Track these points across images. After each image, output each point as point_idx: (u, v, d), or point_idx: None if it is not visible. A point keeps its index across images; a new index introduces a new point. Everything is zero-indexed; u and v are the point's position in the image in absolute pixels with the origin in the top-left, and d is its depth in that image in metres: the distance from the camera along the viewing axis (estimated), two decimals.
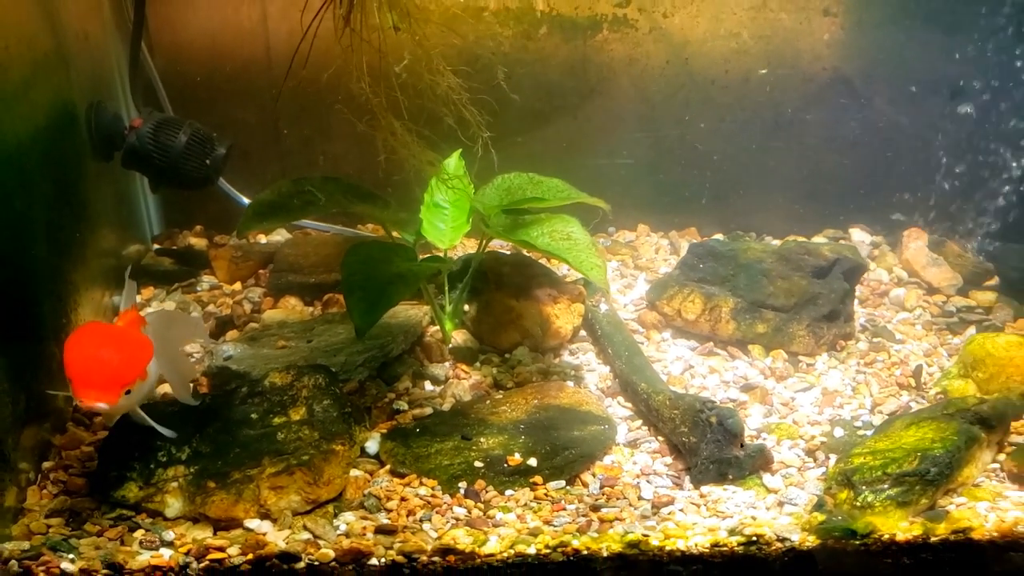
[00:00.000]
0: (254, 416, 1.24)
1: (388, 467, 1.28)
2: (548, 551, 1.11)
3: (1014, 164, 1.76)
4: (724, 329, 1.57)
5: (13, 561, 1.06)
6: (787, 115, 1.84)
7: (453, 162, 1.54)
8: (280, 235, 1.90)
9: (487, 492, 1.23)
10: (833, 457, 1.29)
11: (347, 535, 1.14)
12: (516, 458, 1.27)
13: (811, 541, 1.12)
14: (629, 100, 1.82)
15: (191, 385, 1.37)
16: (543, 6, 1.75)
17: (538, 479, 1.25)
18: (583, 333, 1.61)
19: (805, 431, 1.37)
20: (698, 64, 1.80)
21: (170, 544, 1.12)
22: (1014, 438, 1.32)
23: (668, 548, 1.12)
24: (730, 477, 1.25)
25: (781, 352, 1.56)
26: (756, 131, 1.85)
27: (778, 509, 1.20)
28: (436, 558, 1.11)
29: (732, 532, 1.14)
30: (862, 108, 1.82)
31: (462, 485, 1.23)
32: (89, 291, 1.46)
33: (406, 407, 1.40)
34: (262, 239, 1.89)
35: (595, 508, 1.21)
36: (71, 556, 1.07)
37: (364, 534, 1.14)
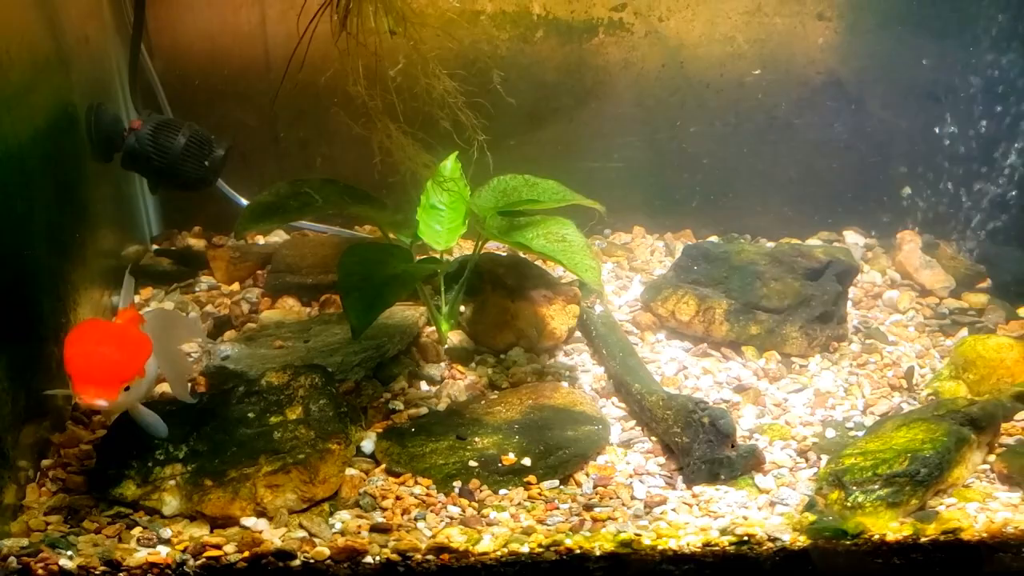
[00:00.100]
0: (251, 415, 1.26)
1: (384, 466, 1.29)
2: (541, 550, 1.12)
3: (1006, 167, 1.77)
4: (718, 330, 1.58)
5: (12, 558, 1.07)
6: (781, 118, 1.85)
7: (449, 164, 1.55)
8: (278, 236, 1.91)
9: (481, 491, 1.24)
10: (825, 458, 1.30)
11: (342, 533, 1.15)
12: (510, 458, 1.28)
13: (802, 541, 1.13)
14: (625, 103, 1.84)
15: (189, 384, 1.38)
16: (539, 10, 1.77)
17: (532, 478, 1.26)
18: (578, 334, 1.63)
19: (797, 432, 1.39)
20: (693, 68, 1.81)
21: (167, 542, 1.13)
22: (1004, 439, 1.34)
23: (660, 547, 1.13)
24: (722, 477, 1.26)
25: (774, 353, 1.57)
26: (751, 134, 1.87)
27: (770, 509, 1.21)
28: (430, 556, 1.12)
29: (724, 532, 1.15)
30: (856, 111, 1.83)
31: (457, 484, 1.25)
32: (88, 291, 1.48)
33: (402, 407, 1.41)
34: (260, 240, 1.91)
35: (588, 507, 1.22)
36: (69, 553, 1.09)
37: (359, 532, 1.16)
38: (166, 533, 1.14)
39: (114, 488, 1.18)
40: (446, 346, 1.56)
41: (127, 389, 1.10)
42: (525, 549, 1.12)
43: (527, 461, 1.28)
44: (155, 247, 1.86)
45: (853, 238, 1.95)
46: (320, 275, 1.68)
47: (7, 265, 1.21)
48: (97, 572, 1.08)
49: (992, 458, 1.30)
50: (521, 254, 1.74)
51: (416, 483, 1.25)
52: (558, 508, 1.21)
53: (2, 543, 1.09)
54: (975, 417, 1.29)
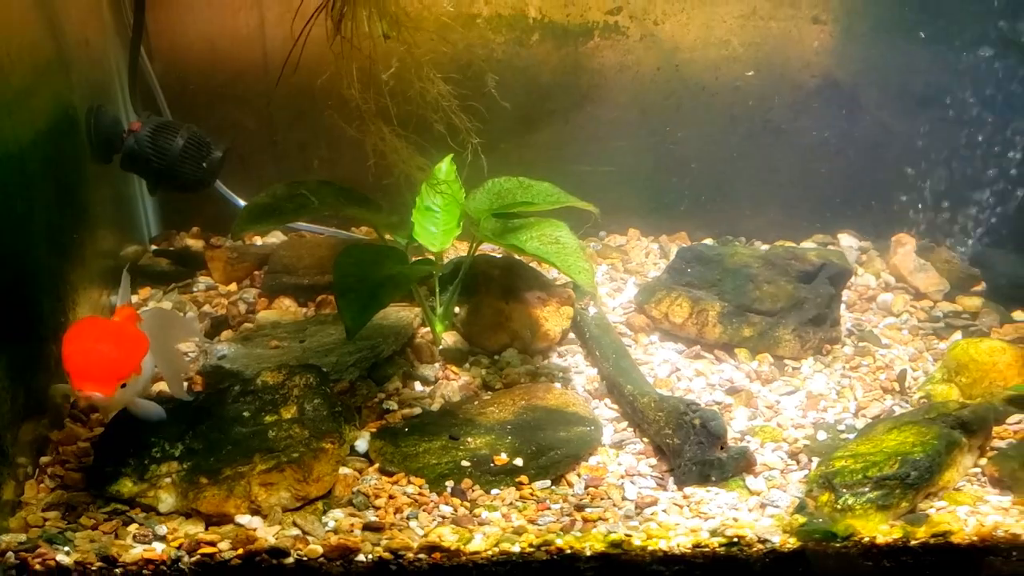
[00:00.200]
0: (246, 414, 1.27)
1: (377, 465, 1.30)
2: (532, 550, 1.13)
3: (1001, 171, 1.77)
4: (711, 333, 1.59)
5: (10, 553, 1.09)
6: (776, 121, 1.86)
7: (445, 167, 1.57)
8: (275, 237, 1.93)
9: (473, 491, 1.25)
10: (816, 460, 1.31)
11: (335, 531, 1.16)
12: (503, 458, 1.29)
13: (792, 543, 1.14)
14: (620, 106, 1.85)
15: (186, 384, 1.40)
16: (535, 13, 1.78)
17: (524, 479, 1.27)
18: (572, 336, 1.64)
19: (789, 434, 1.39)
20: (689, 71, 1.82)
21: (162, 538, 1.14)
22: (996, 443, 1.34)
23: (650, 548, 1.13)
24: (712, 479, 1.26)
25: (767, 356, 1.58)
26: (745, 137, 1.87)
27: (760, 511, 1.22)
28: (422, 555, 1.13)
29: (714, 533, 1.15)
30: (851, 114, 1.84)
31: (449, 484, 1.26)
32: (87, 291, 1.50)
33: (396, 407, 1.43)
34: (258, 241, 1.92)
35: (579, 508, 1.23)
36: (66, 549, 1.10)
37: (352, 531, 1.17)
38: (162, 530, 1.15)
39: (111, 485, 1.20)
40: (440, 347, 1.57)
41: (124, 386, 1.11)
42: (516, 549, 1.13)
43: (519, 461, 1.29)
44: (154, 248, 1.88)
45: (848, 241, 1.95)
46: (316, 276, 1.70)
47: (7, 265, 1.23)
48: (93, 568, 1.09)
49: (984, 461, 1.30)
50: (517, 256, 1.76)
51: (409, 482, 1.27)
52: (549, 508, 1.22)
53: (0, 538, 1.11)
54: (966, 420, 1.29)
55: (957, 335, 1.65)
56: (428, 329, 1.60)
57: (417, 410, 1.42)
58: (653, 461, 1.33)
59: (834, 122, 1.85)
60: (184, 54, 1.79)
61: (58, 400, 1.32)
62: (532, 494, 1.25)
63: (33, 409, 1.27)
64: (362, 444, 1.33)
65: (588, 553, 1.13)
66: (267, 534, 1.15)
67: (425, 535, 1.15)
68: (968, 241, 1.82)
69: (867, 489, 1.17)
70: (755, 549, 1.14)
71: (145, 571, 1.10)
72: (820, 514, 1.18)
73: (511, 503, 1.23)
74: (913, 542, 1.14)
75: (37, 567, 1.09)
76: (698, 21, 1.79)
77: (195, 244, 1.90)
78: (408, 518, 1.20)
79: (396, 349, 1.51)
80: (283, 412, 1.28)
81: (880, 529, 1.15)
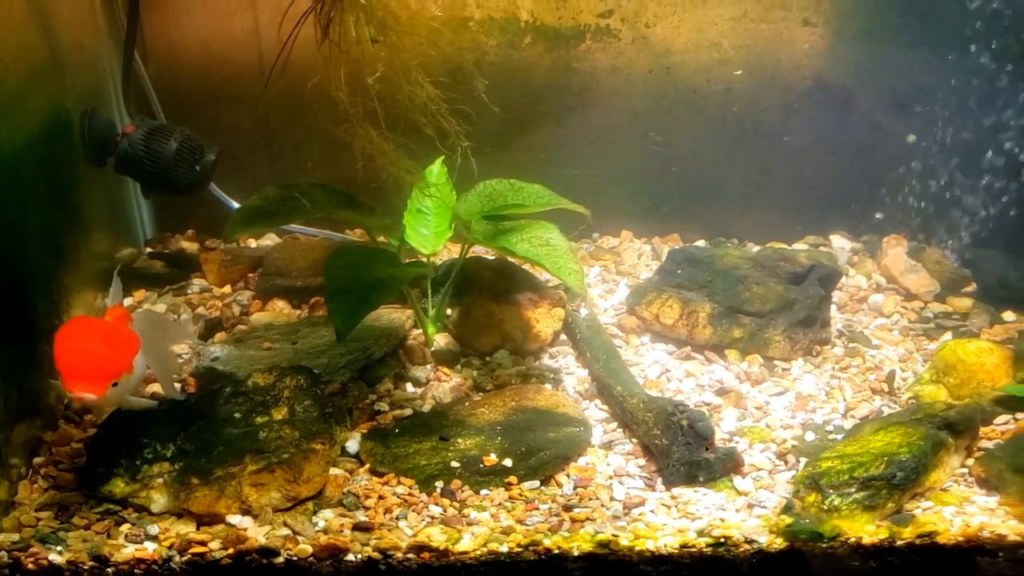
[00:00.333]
0: (237, 415, 1.28)
1: (368, 466, 1.31)
2: (520, 550, 1.14)
3: (991, 172, 1.78)
4: (701, 334, 1.59)
5: (3, 552, 1.10)
6: (768, 123, 1.86)
7: (436, 169, 1.58)
8: (270, 239, 1.94)
9: (463, 491, 1.26)
10: (804, 460, 1.31)
11: (325, 531, 1.17)
12: (492, 458, 1.30)
13: (778, 543, 1.15)
14: (612, 108, 1.85)
15: (179, 386, 1.41)
16: (527, 16, 1.79)
17: (513, 479, 1.28)
18: (563, 337, 1.64)
19: (777, 435, 1.40)
20: (680, 73, 1.83)
21: (154, 538, 1.15)
22: (983, 443, 1.35)
23: (638, 548, 1.14)
24: (700, 479, 1.27)
25: (757, 357, 1.58)
26: (737, 139, 1.88)
27: (747, 511, 1.23)
28: (411, 555, 1.14)
29: (701, 533, 1.16)
30: (842, 116, 1.84)
31: (439, 484, 1.27)
32: (81, 293, 1.51)
33: (387, 408, 1.44)
34: (252, 243, 1.94)
35: (567, 508, 1.23)
36: (59, 548, 1.12)
37: (342, 531, 1.18)
38: (153, 530, 1.17)
39: (103, 485, 1.21)
40: (433, 348, 1.58)
41: (115, 385, 1.12)
42: (504, 549, 1.14)
43: (508, 462, 1.29)
44: (149, 250, 1.89)
45: (839, 242, 1.96)
46: (310, 278, 1.71)
47: (1, 268, 1.24)
48: (85, 567, 1.11)
49: (971, 462, 1.31)
50: (510, 258, 1.77)
51: (399, 483, 1.28)
52: (538, 508, 1.23)
53: None
54: (952, 421, 1.29)
55: (947, 336, 1.65)
56: (420, 331, 1.61)
57: (408, 411, 1.43)
58: (642, 462, 1.34)
59: (825, 124, 1.85)
60: (180, 57, 1.80)
61: (52, 401, 1.33)
62: (521, 494, 1.26)
63: (27, 410, 1.28)
64: (353, 445, 1.34)
65: (576, 553, 1.14)
66: (258, 534, 1.16)
67: (414, 535, 1.16)
68: (959, 242, 1.82)
69: (853, 490, 1.18)
70: (742, 549, 1.15)
71: (137, 570, 1.11)
72: (807, 515, 1.18)
73: (500, 503, 1.24)
74: (899, 542, 1.15)
75: (30, 566, 1.10)
76: (689, 24, 1.80)
77: (190, 247, 1.91)
78: (397, 518, 1.21)
79: (388, 351, 1.52)
80: (274, 413, 1.29)
81: (866, 529, 1.15)
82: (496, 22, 1.79)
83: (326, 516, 1.21)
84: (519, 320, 1.59)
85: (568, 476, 1.31)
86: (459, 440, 1.33)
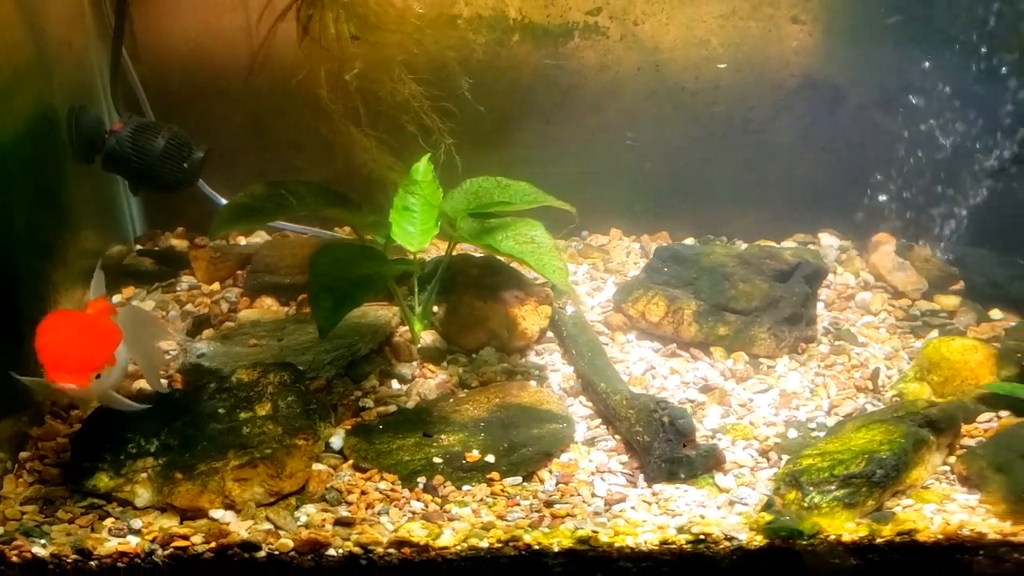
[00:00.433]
0: (221, 411, 1.29)
1: (351, 462, 1.32)
2: (500, 545, 1.15)
3: (980, 170, 1.77)
4: (687, 331, 1.60)
5: None
6: (756, 121, 1.86)
7: (422, 167, 1.58)
8: (259, 237, 1.95)
9: (445, 487, 1.27)
10: (786, 458, 1.31)
11: (307, 526, 1.18)
12: (474, 454, 1.31)
13: (758, 540, 1.15)
14: (601, 106, 1.85)
15: (166, 382, 1.42)
16: (515, 14, 1.79)
17: (495, 475, 1.29)
18: (550, 334, 1.65)
19: (760, 432, 1.40)
20: (669, 71, 1.83)
21: (137, 532, 1.17)
22: (966, 441, 1.34)
23: (618, 545, 1.14)
24: (682, 476, 1.28)
25: (742, 354, 1.58)
26: (726, 136, 1.87)
27: (728, 508, 1.23)
28: (391, 550, 1.15)
29: (681, 530, 1.16)
30: (831, 114, 1.84)
31: (421, 480, 1.27)
32: (69, 291, 1.52)
33: (371, 404, 1.44)
34: (242, 241, 1.94)
35: (548, 504, 1.24)
36: (43, 541, 1.13)
37: (323, 525, 1.19)
38: (136, 524, 1.18)
39: (87, 480, 1.22)
40: (419, 346, 1.59)
41: (98, 376, 1.13)
42: (485, 544, 1.14)
43: (491, 458, 1.30)
44: (138, 247, 1.90)
45: (828, 240, 1.96)
46: (298, 275, 1.71)
47: None
48: (69, 560, 1.12)
49: (953, 460, 1.31)
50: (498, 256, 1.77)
51: (382, 478, 1.28)
52: (519, 504, 1.23)
53: None
54: (934, 419, 1.29)
55: (934, 333, 1.65)
56: (407, 328, 1.61)
57: (392, 408, 1.44)
58: (624, 458, 1.34)
59: (814, 121, 1.85)
60: (171, 54, 1.80)
61: (39, 398, 1.35)
62: (503, 490, 1.27)
63: (13, 406, 1.30)
64: (337, 441, 1.35)
65: (556, 549, 1.15)
66: (240, 528, 1.17)
67: (395, 530, 1.17)
68: (947, 240, 1.82)
69: (833, 487, 1.18)
70: (722, 546, 1.15)
71: (120, 564, 1.12)
72: (787, 512, 1.18)
73: (482, 499, 1.24)
74: (879, 540, 1.15)
75: (14, 559, 1.11)
76: (678, 21, 1.79)
77: (179, 244, 1.92)
78: (379, 513, 1.21)
79: (373, 347, 1.52)
80: (257, 409, 1.30)
81: (846, 527, 1.15)
82: (484, 20, 1.78)
83: (308, 511, 1.22)
84: (505, 317, 1.60)
85: (550, 472, 1.31)
86: (442, 436, 1.34)
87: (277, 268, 1.74)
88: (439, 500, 1.24)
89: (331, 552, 1.14)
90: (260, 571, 1.13)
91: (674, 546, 1.15)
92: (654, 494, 1.26)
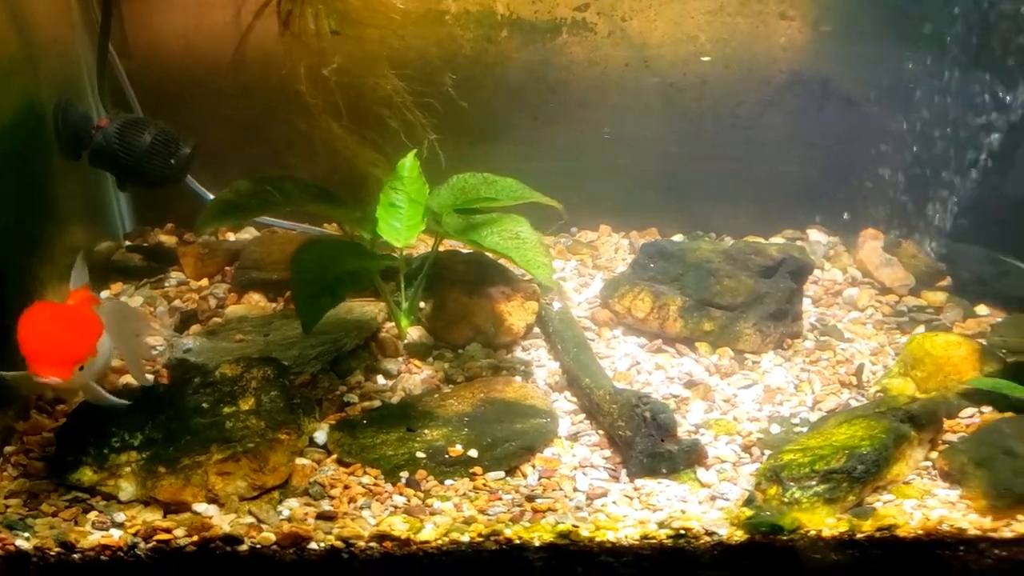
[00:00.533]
0: (205, 405, 1.30)
1: (335, 456, 1.32)
2: (481, 539, 1.15)
3: (968, 167, 1.77)
4: (672, 327, 1.60)
5: None
6: (745, 117, 1.86)
7: (408, 162, 1.58)
8: (248, 233, 1.95)
9: (427, 481, 1.27)
10: (768, 453, 1.32)
11: (289, 520, 1.19)
12: (457, 449, 1.31)
13: (739, 536, 1.15)
14: (589, 102, 1.85)
15: (152, 377, 1.43)
16: (503, 10, 1.79)
17: (478, 469, 1.29)
18: (537, 330, 1.65)
19: (743, 427, 1.40)
20: (657, 67, 1.83)
21: (120, 525, 1.17)
22: (948, 436, 1.35)
23: (598, 539, 1.15)
24: (663, 471, 1.28)
25: (727, 350, 1.59)
26: (714, 132, 1.88)
27: (710, 503, 1.23)
28: (373, 544, 1.15)
29: (661, 525, 1.17)
30: (819, 110, 1.84)
31: (404, 474, 1.28)
32: (56, 287, 1.52)
33: (356, 399, 1.45)
34: (231, 237, 1.95)
35: (530, 498, 1.24)
36: (26, 535, 1.13)
37: (305, 519, 1.19)
38: (120, 517, 1.18)
39: (72, 474, 1.23)
40: (405, 341, 1.59)
41: (81, 368, 1.14)
42: (465, 538, 1.15)
43: (474, 452, 1.30)
44: (127, 243, 1.90)
45: (816, 236, 1.96)
46: (285, 272, 1.71)
47: None
48: (52, 553, 1.13)
49: (934, 455, 1.31)
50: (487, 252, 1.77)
51: (365, 473, 1.29)
52: (501, 499, 1.24)
53: None
54: (915, 414, 1.29)
55: (920, 329, 1.65)
56: (394, 324, 1.62)
57: (377, 403, 1.44)
58: (607, 453, 1.35)
59: (803, 118, 1.85)
60: (161, 50, 1.81)
61: (24, 392, 1.35)
62: (485, 485, 1.27)
63: None
64: (321, 436, 1.36)
65: (537, 543, 1.15)
66: (222, 522, 1.17)
67: (377, 524, 1.18)
68: (936, 236, 1.82)
69: (814, 483, 1.18)
70: (702, 541, 1.15)
71: (103, 557, 1.13)
72: (768, 507, 1.19)
73: (464, 493, 1.25)
74: (859, 535, 1.15)
75: None
76: (665, 17, 1.79)
77: (168, 240, 1.93)
78: (361, 507, 1.22)
79: (359, 343, 1.53)
80: (241, 404, 1.30)
81: (826, 522, 1.15)
82: (472, 15, 1.79)
83: (291, 505, 1.22)
84: (491, 313, 1.60)
85: (533, 467, 1.31)
86: (426, 431, 1.35)
87: (265, 264, 1.75)
88: (421, 494, 1.25)
89: (313, 546, 1.15)
90: (242, 564, 1.14)
91: (654, 541, 1.16)
92: (636, 489, 1.26)
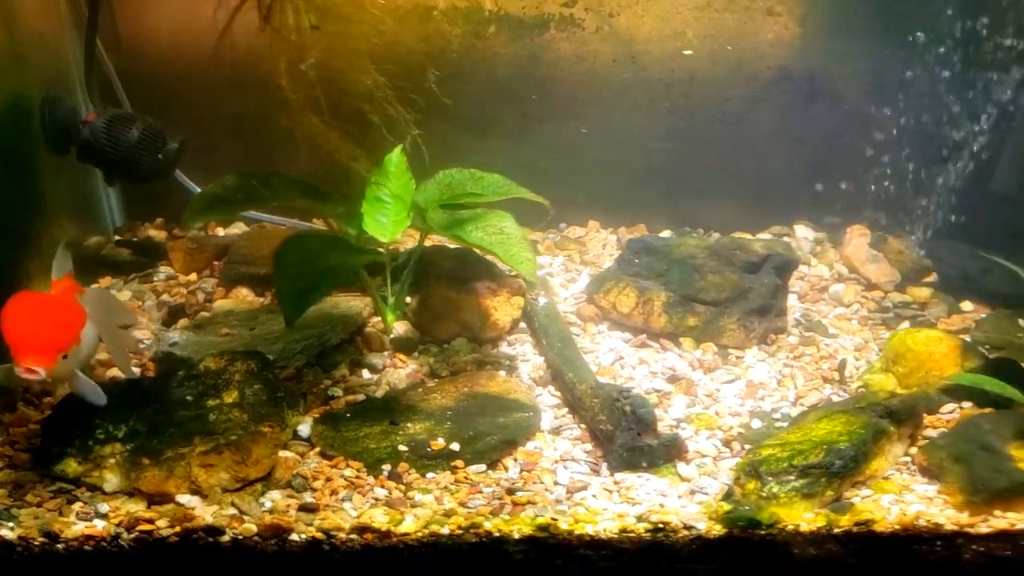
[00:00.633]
0: (189, 398, 1.31)
1: (318, 449, 1.33)
2: (461, 532, 1.16)
3: (955, 164, 1.77)
4: (656, 322, 1.60)
5: None
6: (733, 113, 1.86)
7: (395, 158, 1.59)
8: (238, 228, 1.96)
9: (409, 474, 1.28)
10: (748, 447, 1.32)
11: (271, 512, 1.20)
12: (440, 442, 1.32)
13: (717, 530, 1.15)
14: (577, 98, 1.85)
15: (138, 370, 1.44)
16: (491, 5, 1.79)
17: (459, 463, 1.30)
18: (523, 325, 1.66)
19: (724, 422, 1.41)
20: (645, 62, 1.83)
21: (104, 516, 1.18)
22: (928, 432, 1.35)
23: (577, 532, 1.15)
24: (643, 465, 1.28)
25: (711, 345, 1.59)
26: (702, 128, 1.88)
27: (689, 497, 1.24)
28: (354, 536, 1.16)
29: (640, 519, 1.17)
30: (807, 106, 1.84)
31: (386, 467, 1.29)
32: (45, 282, 1.51)
33: (340, 393, 1.46)
34: (220, 232, 1.96)
35: (511, 491, 1.25)
36: (11, 524, 1.15)
37: (287, 511, 1.20)
38: (104, 508, 1.20)
39: (56, 465, 1.24)
40: (391, 336, 1.60)
41: (65, 357, 1.14)
42: (445, 531, 1.16)
43: (456, 446, 1.31)
44: (117, 238, 1.91)
45: (803, 232, 1.96)
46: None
47: None
48: (36, 543, 1.14)
49: (914, 450, 1.31)
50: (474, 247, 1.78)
51: (347, 466, 1.30)
52: (481, 492, 1.25)
53: None
54: (895, 410, 1.30)
55: (905, 325, 1.65)
56: (380, 318, 1.63)
57: (361, 397, 1.45)
58: (589, 447, 1.35)
59: (790, 113, 1.85)
60: (152, 45, 1.82)
61: (11, 385, 1.36)
62: (467, 478, 1.28)
63: None
64: (305, 429, 1.37)
65: (516, 536, 1.16)
66: (205, 513, 1.19)
67: (358, 516, 1.19)
68: (922, 232, 1.82)
69: (792, 477, 1.19)
70: (680, 535, 1.16)
71: (86, 547, 1.14)
72: (746, 502, 1.19)
73: (445, 486, 1.26)
74: (836, 530, 1.15)
75: None
76: (653, 13, 1.79)
77: (158, 235, 1.94)
78: (343, 500, 1.23)
79: (345, 337, 1.54)
80: (225, 396, 1.31)
81: (804, 517, 1.16)
82: (460, 11, 1.79)
83: (274, 497, 1.23)
84: (477, 308, 1.61)
85: (515, 460, 1.32)
86: (409, 425, 1.36)
87: (253, 259, 1.76)
88: (403, 487, 1.26)
89: (294, 537, 1.16)
90: (224, 555, 1.15)
91: (633, 534, 1.16)
92: (616, 482, 1.27)
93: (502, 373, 1.52)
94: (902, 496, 1.22)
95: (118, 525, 1.16)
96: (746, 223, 1.94)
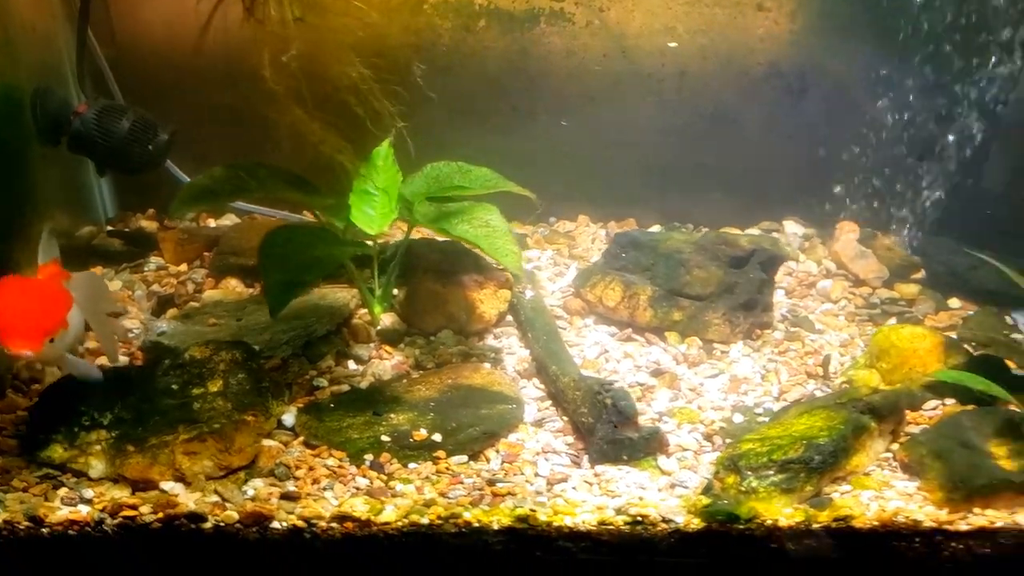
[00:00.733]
0: (174, 387, 1.32)
1: (302, 439, 1.35)
2: (441, 522, 1.17)
3: (944, 161, 1.76)
4: (642, 316, 1.61)
5: None
6: (722, 108, 1.86)
7: (383, 150, 1.59)
8: (229, 219, 1.98)
9: (391, 464, 1.29)
10: (730, 442, 1.32)
11: (253, 499, 1.21)
12: (422, 433, 1.33)
13: (696, 524, 1.16)
14: (567, 92, 1.86)
15: (126, 359, 1.45)
16: None
17: (441, 453, 1.31)
18: (510, 318, 1.67)
19: (707, 416, 1.41)
20: (635, 57, 1.83)
21: (88, 501, 1.20)
22: (911, 428, 1.35)
23: (556, 524, 1.16)
24: (624, 458, 1.29)
25: (696, 339, 1.59)
26: (692, 124, 1.88)
27: (669, 491, 1.24)
28: (334, 524, 1.18)
29: (619, 511, 1.18)
30: (797, 102, 1.83)
31: (368, 457, 1.30)
32: (36, 271, 1.55)
33: (326, 384, 1.47)
34: (211, 223, 1.98)
35: (491, 483, 1.26)
36: None
37: (269, 499, 1.22)
38: (88, 494, 1.21)
39: (43, 451, 1.26)
40: (378, 328, 1.61)
41: (52, 341, 1.15)
42: (425, 521, 1.17)
43: (438, 437, 1.32)
44: (108, 228, 1.93)
45: (792, 228, 1.96)
46: None
47: None
48: (21, 527, 1.16)
49: (896, 447, 1.31)
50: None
51: (330, 455, 1.31)
52: (462, 483, 1.26)
53: None
54: (876, 406, 1.30)
55: (892, 321, 1.65)
56: (367, 310, 1.64)
57: (346, 387, 1.46)
58: (570, 439, 1.36)
59: (780, 109, 1.84)
60: (146, 36, 1.82)
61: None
62: (448, 468, 1.29)
63: None
64: (289, 418, 1.38)
65: (495, 527, 1.17)
66: (188, 500, 1.20)
67: (339, 505, 1.20)
68: (910, 229, 1.81)
69: (771, 472, 1.19)
70: (659, 528, 1.17)
71: (70, 531, 1.16)
72: (726, 496, 1.19)
73: (426, 477, 1.27)
74: (815, 526, 1.16)
75: None
76: (644, 7, 1.79)
77: (149, 225, 1.95)
78: (324, 489, 1.24)
79: (331, 329, 1.55)
80: (209, 385, 1.33)
81: (783, 512, 1.16)
82: (450, 5, 1.79)
83: (256, 485, 1.25)
84: (463, 301, 1.61)
85: (497, 452, 1.33)
86: (392, 415, 1.36)
87: (243, 250, 1.77)
88: (384, 477, 1.27)
89: (275, 525, 1.17)
90: (206, 541, 1.17)
91: (612, 527, 1.17)
92: (596, 475, 1.28)
93: (487, 365, 1.52)
94: (882, 492, 1.22)
95: (102, 511, 1.18)
96: (736, 218, 1.94)
